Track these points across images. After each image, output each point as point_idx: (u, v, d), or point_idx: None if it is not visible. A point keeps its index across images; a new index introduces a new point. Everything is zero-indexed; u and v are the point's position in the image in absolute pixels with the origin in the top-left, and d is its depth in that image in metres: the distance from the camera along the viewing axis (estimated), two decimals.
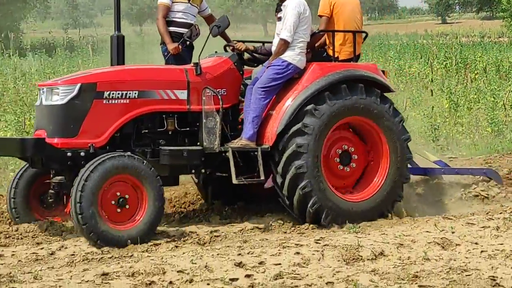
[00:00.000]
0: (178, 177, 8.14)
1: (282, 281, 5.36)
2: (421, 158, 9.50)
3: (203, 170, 7.98)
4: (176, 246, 7.03)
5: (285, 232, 7.60)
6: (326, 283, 5.37)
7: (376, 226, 7.63)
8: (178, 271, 5.73)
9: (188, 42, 8.47)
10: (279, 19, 8.01)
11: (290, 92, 7.74)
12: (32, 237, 7.28)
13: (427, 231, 6.94)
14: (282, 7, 7.97)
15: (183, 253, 6.58)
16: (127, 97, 7.57)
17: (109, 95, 7.50)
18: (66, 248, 6.95)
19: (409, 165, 8.76)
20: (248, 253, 6.02)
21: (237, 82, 8.02)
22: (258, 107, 7.75)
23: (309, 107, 7.55)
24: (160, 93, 7.73)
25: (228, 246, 6.84)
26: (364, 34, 8.59)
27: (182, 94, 7.83)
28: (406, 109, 13.57)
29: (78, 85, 7.39)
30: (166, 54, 8.61)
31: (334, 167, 8.00)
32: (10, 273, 5.67)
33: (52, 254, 6.63)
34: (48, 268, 5.97)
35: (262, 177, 7.69)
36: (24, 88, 15.85)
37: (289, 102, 7.67)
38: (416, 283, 5.51)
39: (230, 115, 7.96)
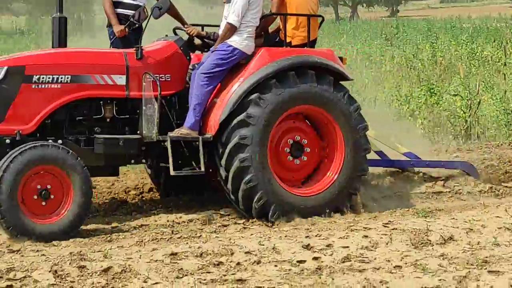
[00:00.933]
0: (118, 167, 7.63)
1: (350, 264, 5.31)
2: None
3: (143, 160, 7.61)
4: (244, 228, 7.02)
5: (354, 215, 7.54)
6: (394, 267, 5.29)
7: (446, 210, 7.46)
8: (245, 252, 5.72)
9: (136, 25, 7.88)
10: (228, 1, 7.47)
11: (236, 78, 7.21)
12: (103, 216, 7.41)
13: (498, 216, 6.72)
14: None
15: (251, 234, 6.57)
16: (59, 81, 7.07)
17: (38, 79, 7.01)
18: (135, 228, 7.07)
19: (379, 157, 8.70)
20: (316, 236, 5.98)
21: (183, 67, 7.48)
22: (200, 94, 7.24)
23: (253, 96, 7.03)
24: (96, 78, 7.19)
25: (296, 228, 6.82)
26: (320, 18, 8.13)
27: (120, 79, 7.29)
28: (478, 93, 13.15)
29: (5, 69, 6.90)
30: (112, 37, 8.08)
31: (284, 159, 7.48)
32: (80, 251, 5.76)
33: (122, 233, 6.71)
34: (118, 247, 6.04)
35: (203, 169, 7.17)
36: None
37: (234, 89, 7.14)
38: (485, 269, 5.35)
39: (176, 102, 7.46)
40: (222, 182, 7.18)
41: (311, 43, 7.85)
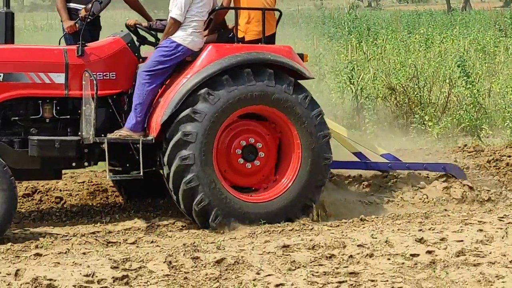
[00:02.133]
0: (59, 170, 7.11)
1: (464, 258, 5.19)
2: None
3: (86, 164, 6.98)
4: (358, 220, 6.99)
5: (469, 209, 7.33)
6: (510, 261, 5.15)
7: None
8: (358, 245, 5.66)
9: (88, 20, 7.38)
10: None
11: (181, 77, 6.71)
12: None
13: None
14: None
15: (364, 227, 6.47)
16: None
17: None
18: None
19: (359, 159, 8.16)
20: (429, 229, 5.87)
21: (131, 65, 6.93)
22: (142, 93, 6.74)
23: (202, 91, 6.53)
24: (31, 76, 6.72)
25: (409, 222, 6.65)
26: (277, 13, 7.49)
27: (59, 78, 6.82)
28: None
29: None
30: (64, 33, 7.63)
31: (234, 162, 6.93)
32: (194, 242, 5.85)
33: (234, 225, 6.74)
34: (230, 238, 6.06)
35: (141, 173, 6.68)
36: None
37: (178, 88, 6.64)
38: None
39: (126, 102, 6.96)
40: (165, 181, 6.69)
41: (268, 39, 7.21)
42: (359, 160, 8.07)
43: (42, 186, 8.13)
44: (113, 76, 6.84)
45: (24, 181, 7.67)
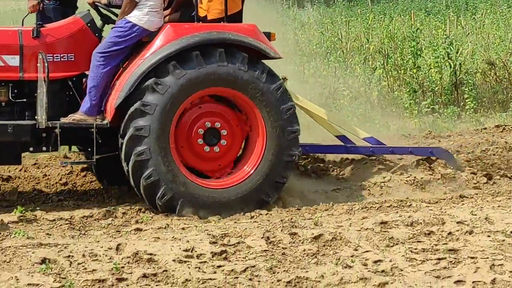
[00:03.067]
0: (18, 155, 6.86)
1: None
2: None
3: (44, 148, 6.75)
4: (457, 197, 6.86)
5: None
6: None
7: None
8: (457, 222, 5.56)
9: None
10: None
11: (137, 58, 6.42)
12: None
13: None
14: None
15: (463, 204, 6.32)
16: None
17: None
18: (343, 195, 7.20)
19: (342, 142, 7.85)
20: None
21: (91, 45, 6.61)
22: (96, 75, 6.48)
23: (150, 81, 6.21)
24: None
25: (509, 199, 6.44)
26: None
27: (13, 60, 6.59)
28: None
29: None
30: (28, 13, 7.32)
31: (198, 147, 6.67)
32: (291, 218, 5.88)
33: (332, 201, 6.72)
34: (328, 215, 6.08)
35: (94, 159, 6.53)
36: (303, 38, 16.24)
37: (132, 71, 6.35)
38: None
39: (86, 84, 6.69)
40: (127, 176, 6.45)
41: (233, 17, 6.91)
42: (342, 143, 7.84)
43: None
44: (71, 58, 6.61)
45: None
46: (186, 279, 4.74)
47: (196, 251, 5.08)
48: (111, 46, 6.46)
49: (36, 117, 6.41)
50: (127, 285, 4.75)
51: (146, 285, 4.77)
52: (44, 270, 5.00)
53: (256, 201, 6.51)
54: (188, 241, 5.22)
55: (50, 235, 5.98)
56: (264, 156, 6.57)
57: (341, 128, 7.92)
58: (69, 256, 5.27)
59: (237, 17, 6.98)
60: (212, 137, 6.56)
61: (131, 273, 4.83)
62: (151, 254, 5.04)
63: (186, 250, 5.10)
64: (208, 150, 6.55)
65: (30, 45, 6.51)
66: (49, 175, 8.03)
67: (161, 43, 6.35)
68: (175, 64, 6.22)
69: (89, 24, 6.70)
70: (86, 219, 6.35)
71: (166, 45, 6.30)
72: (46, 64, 6.24)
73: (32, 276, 4.98)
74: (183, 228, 5.81)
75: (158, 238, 5.42)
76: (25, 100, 6.53)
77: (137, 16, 6.45)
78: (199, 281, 4.71)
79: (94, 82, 6.41)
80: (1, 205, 6.82)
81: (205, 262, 4.97)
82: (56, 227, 6.11)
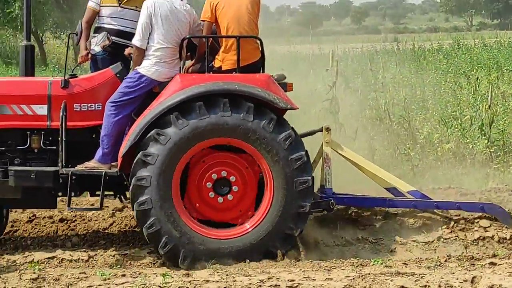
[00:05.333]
0: (53, 199, 7.06)
1: None
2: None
3: (72, 194, 6.82)
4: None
5: None
6: None
7: None
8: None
9: (98, 51, 7.17)
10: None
11: (146, 109, 6.47)
12: None
13: None
14: None
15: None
16: None
17: None
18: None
19: (392, 194, 7.62)
20: None
21: None
22: (107, 125, 6.56)
23: (152, 132, 6.22)
24: (13, 108, 6.79)
25: None
26: (253, 43, 6.91)
27: (41, 109, 6.82)
28: None
29: None
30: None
31: (211, 201, 6.64)
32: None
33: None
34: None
35: (101, 206, 6.86)
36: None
37: (139, 122, 6.42)
38: None
39: None
40: None
41: (251, 66, 6.82)
42: (393, 195, 7.69)
43: None
44: (99, 107, 6.75)
45: (20, 209, 8.12)
46: None
47: None
48: (122, 96, 6.56)
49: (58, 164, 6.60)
50: None
51: None
52: None
53: (263, 252, 6.49)
54: None
55: (407, 265, 6.28)
56: (272, 206, 6.53)
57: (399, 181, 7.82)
58: (425, 286, 5.53)
59: (256, 67, 6.87)
60: (222, 187, 6.60)
61: None
62: None
63: None
64: (222, 201, 6.61)
65: (58, 95, 6.74)
66: None
67: (168, 93, 6.39)
68: (177, 114, 6.24)
69: (118, 75, 6.81)
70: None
71: (171, 96, 6.33)
72: (65, 114, 6.56)
73: None
74: None
75: None
76: (54, 147, 6.76)
77: (145, 67, 6.55)
78: None
79: (106, 131, 6.55)
80: None
81: None
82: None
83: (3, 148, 6.85)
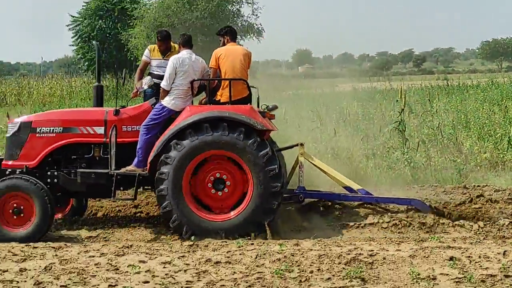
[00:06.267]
0: (111, 192, 8.76)
1: None
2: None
3: (121, 188, 8.95)
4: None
5: None
6: None
7: None
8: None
9: (146, 89, 9.54)
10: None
11: (166, 130, 8.31)
12: None
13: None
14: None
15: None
16: (53, 132, 8.81)
17: (39, 130, 8.79)
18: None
19: (348, 191, 9.25)
20: None
21: None
22: (141, 141, 8.48)
23: (172, 142, 8.08)
24: (81, 129, 8.84)
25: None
26: (242, 84, 8.80)
27: (100, 130, 8.81)
28: None
29: (18, 123, 8.91)
30: (139, 93, 9.92)
31: (206, 189, 8.40)
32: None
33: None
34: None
35: (135, 198, 8.98)
36: None
37: (161, 138, 8.30)
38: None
39: None
40: None
41: (242, 100, 8.72)
42: (347, 192, 9.29)
43: None
44: (138, 128, 8.76)
45: (84, 198, 10.00)
46: None
47: None
48: (150, 121, 8.56)
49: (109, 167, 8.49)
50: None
51: None
52: (452, 265, 6.53)
53: (243, 233, 8.26)
54: None
55: (455, 241, 7.65)
56: (250, 203, 8.31)
57: (349, 181, 9.43)
58: (469, 256, 6.80)
59: (245, 100, 8.75)
60: (220, 185, 8.51)
61: None
62: None
63: None
64: (221, 194, 8.58)
65: (111, 120, 8.78)
66: None
67: (180, 118, 8.30)
68: (190, 131, 8.13)
69: (152, 106, 8.81)
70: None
71: (183, 120, 8.23)
72: (115, 133, 8.63)
73: (443, 268, 6.52)
74: None
75: None
76: (107, 156, 8.75)
77: (167, 101, 8.57)
78: None
79: (140, 145, 8.55)
80: None
81: None
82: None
83: (75, 156, 8.90)
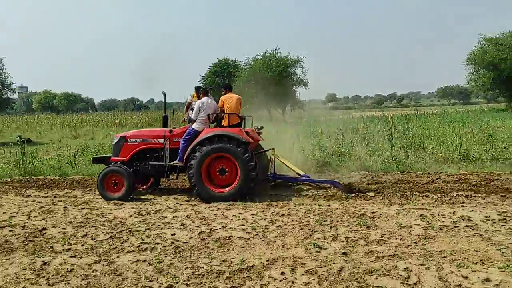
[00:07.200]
0: (165, 174, 9.47)
1: None
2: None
3: (174, 175, 9.75)
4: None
5: None
6: None
7: None
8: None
9: (188, 118, 10.99)
10: (192, 109, 10.64)
11: (193, 141, 9.40)
12: None
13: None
14: (194, 104, 10.60)
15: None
16: (136, 141, 10.08)
17: (129, 140, 10.17)
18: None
19: (299, 175, 9.36)
20: None
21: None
22: (181, 147, 9.42)
23: (197, 147, 9.17)
24: (151, 140, 9.98)
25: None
26: (236, 116, 9.52)
27: (161, 140, 10.00)
28: None
29: (119, 137, 10.21)
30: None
31: (215, 175, 9.04)
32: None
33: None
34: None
35: (177, 178, 9.47)
36: None
37: (191, 146, 9.13)
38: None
39: None
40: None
41: (236, 124, 9.55)
42: (298, 176, 9.65)
43: None
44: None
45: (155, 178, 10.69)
46: None
47: None
48: (186, 137, 9.81)
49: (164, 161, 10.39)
50: None
51: None
52: (422, 219, 6.45)
53: (234, 199, 8.54)
54: None
55: (423, 205, 8.00)
56: (238, 182, 8.80)
57: (298, 170, 9.73)
58: (432, 214, 6.99)
59: (238, 125, 9.83)
60: (223, 172, 8.99)
61: None
62: None
63: None
64: (223, 176, 8.91)
65: (167, 135, 10.22)
66: None
67: (202, 135, 9.48)
68: (206, 142, 9.33)
69: (191, 128, 10.30)
70: None
71: (202, 135, 9.42)
72: (169, 142, 9.86)
73: (416, 220, 6.46)
74: None
75: None
76: (166, 155, 9.91)
77: (195, 126, 9.96)
78: None
79: (180, 149, 9.67)
80: None
81: None
82: None
83: (148, 155, 10.24)
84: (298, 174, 9.77)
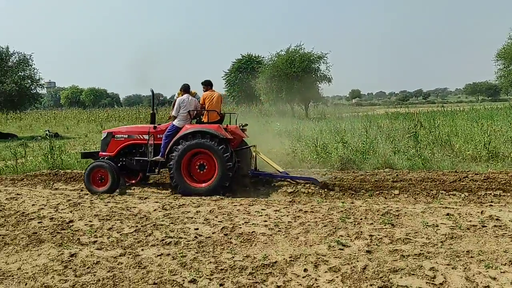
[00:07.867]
0: (149, 169, 9.81)
1: None
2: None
3: (156, 171, 9.80)
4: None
5: None
6: None
7: None
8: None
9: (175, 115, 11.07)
10: (172, 105, 10.12)
11: (174, 137, 9.72)
12: None
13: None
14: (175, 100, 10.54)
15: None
16: (122, 137, 10.40)
17: (116, 136, 10.51)
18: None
19: (279, 172, 9.58)
20: None
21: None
22: (163, 143, 9.66)
23: (178, 141, 9.40)
24: (137, 136, 10.29)
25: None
26: (215, 112, 9.84)
27: (146, 136, 10.27)
28: None
29: (107, 133, 10.60)
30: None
31: (195, 170, 9.34)
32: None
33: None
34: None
35: (158, 172, 9.63)
36: None
37: (172, 141, 9.58)
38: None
39: None
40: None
41: (216, 121, 9.82)
42: (277, 173, 9.90)
43: None
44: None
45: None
46: None
47: None
48: (167, 132, 10.03)
49: (147, 157, 10.81)
50: None
51: None
52: (448, 218, 6.36)
53: (214, 193, 8.93)
54: None
55: (450, 204, 7.96)
56: (215, 178, 9.09)
57: (278, 166, 10.06)
58: (459, 213, 6.74)
59: (218, 122, 10.09)
60: (202, 167, 9.30)
61: None
62: None
63: None
64: (203, 172, 9.24)
65: (151, 132, 10.54)
66: None
67: (182, 131, 9.80)
68: (187, 137, 9.54)
69: (173, 123, 10.45)
70: None
71: (183, 131, 9.71)
72: (152, 138, 10.10)
73: (442, 219, 6.33)
74: None
75: None
76: (150, 150, 10.23)
77: (176, 122, 10.24)
78: None
79: (162, 145, 9.87)
80: None
81: None
82: None
83: (134, 150, 10.61)
84: (277, 170, 9.82)
